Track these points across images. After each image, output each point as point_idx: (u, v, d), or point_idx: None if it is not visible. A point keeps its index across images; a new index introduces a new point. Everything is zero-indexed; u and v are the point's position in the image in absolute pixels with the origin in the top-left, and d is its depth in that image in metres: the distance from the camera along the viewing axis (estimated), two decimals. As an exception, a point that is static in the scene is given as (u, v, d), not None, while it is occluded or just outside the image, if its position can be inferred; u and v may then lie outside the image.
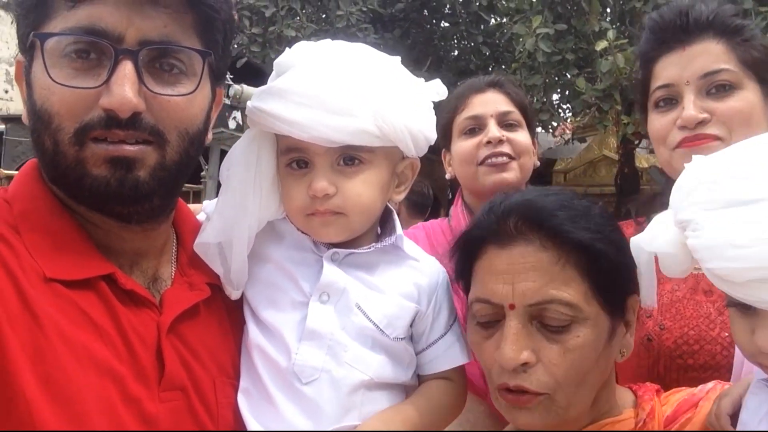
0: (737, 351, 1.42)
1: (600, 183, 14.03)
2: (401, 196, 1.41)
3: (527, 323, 1.13)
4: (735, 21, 1.58)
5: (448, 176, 2.14)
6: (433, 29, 8.78)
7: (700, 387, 1.31)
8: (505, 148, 1.96)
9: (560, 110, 7.39)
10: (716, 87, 1.53)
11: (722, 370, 1.50)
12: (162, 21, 1.10)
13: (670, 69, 1.58)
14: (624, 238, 1.22)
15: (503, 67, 8.09)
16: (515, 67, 6.57)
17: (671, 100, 1.58)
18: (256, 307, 1.29)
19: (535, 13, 6.13)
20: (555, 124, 7.34)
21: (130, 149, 1.09)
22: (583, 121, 7.07)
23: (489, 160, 1.96)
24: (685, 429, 1.22)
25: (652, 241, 1.12)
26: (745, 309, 1.02)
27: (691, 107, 1.51)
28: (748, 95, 1.53)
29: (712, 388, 1.29)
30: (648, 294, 1.19)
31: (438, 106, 2.03)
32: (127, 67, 1.07)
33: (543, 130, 7.36)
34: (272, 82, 1.31)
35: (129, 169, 1.09)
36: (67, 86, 1.06)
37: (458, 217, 2.06)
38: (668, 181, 1.55)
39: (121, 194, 1.10)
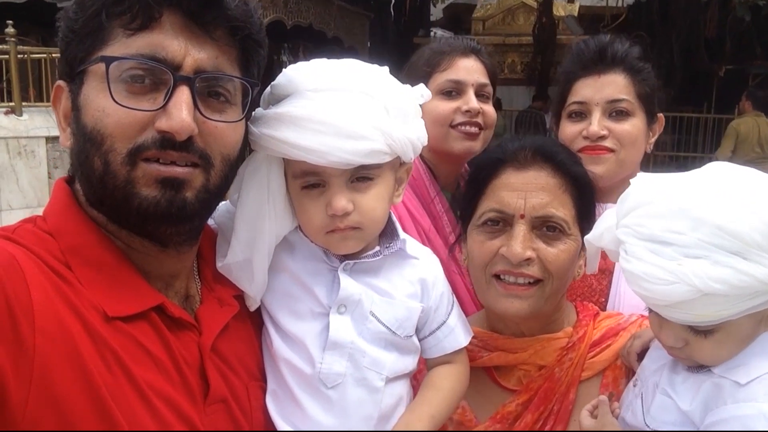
0: (608, 308, 1.89)
1: (518, 32, 14.04)
2: (400, 198, 1.49)
3: (530, 230, 1.47)
4: (639, 63, 2.03)
5: None
6: None
7: (626, 317, 1.67)
8: (479, 119, 2.06)
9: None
10: (617, 111, 2.00)
11: None
12: (214, 52, 1.17)
13: (585, 90, 2.03)
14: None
15: None
16: None
17: (581, 114, 2.04)
18: (276, 316, 1.40)
19: None
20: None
21: (181, 170, 1.15)
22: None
23: (463, 127, 2.05)
24: (604, 353, 1.58)
25: (600, 240, 1.42)
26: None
27: (596, 124, 1.98)
28: (637, 122, 2.01)
29: (633, 321, 1.64)
30: (591, 266, 1.54)
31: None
32: (185, 93, 1.12)
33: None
34: (274, 105, 1.33)
35: (178, 190, 1.15)
36: (127, 107, 1.10)
37: (414, 164, 2.05)
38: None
39: (169, 214, 1.15)
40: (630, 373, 1.56)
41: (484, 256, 1.52)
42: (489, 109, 2.15)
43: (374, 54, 13.18)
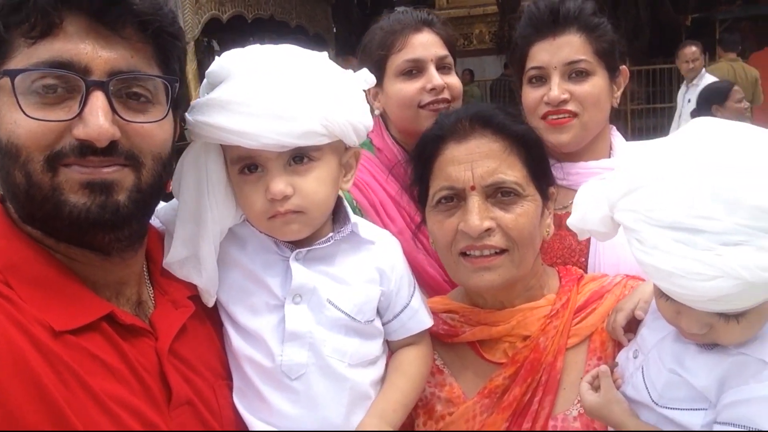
0: (589, 269, 1.83)
1: (482, 2, 13.98)
2: (349, 185, 1.46)
3: (485, 200, 1.42)
4: (593, 19, 1.94)
5: (377, 112, 2.11)
6: None
7: (610, 279, 1.62)
8: (445, 94, 2.00)
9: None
10: (576, 72, 1.92)
11: None
12: (128, 52, 1.13)
13: (542, 54, 1.94)
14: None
15: None
16: None
17: (541, 78, 1.96)
18: (233, 313, 1.36)
19: None
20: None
21: (107, 171, 1.11)
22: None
23: (432, 106, 1.99)
24: (589, 318, 1.53)
25: (583, 223, 1.34)
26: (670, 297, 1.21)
27: (556, 89, 1.91)
28: (598, 81, 1.93)
29: (618, 282, 1.59)
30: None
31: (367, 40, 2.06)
32: (99, 98, 1.08)
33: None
34: (210, 93, 1.30)
35: (109, 194, 1.11)
36: (38, 119, 1.06)
37: (390, 148, 2.11)
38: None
39: (102, 221, 1.11)
40: None
41: (446, 236, 1.48)
42: (453, 80, 2.08)
43: (340, 39, 13.06)
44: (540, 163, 1.52)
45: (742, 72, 8.70)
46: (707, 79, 7.88)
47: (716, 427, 1.17)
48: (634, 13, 12.80)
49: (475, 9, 14.27)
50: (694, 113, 6.08)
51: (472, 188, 1.44)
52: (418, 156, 1.57)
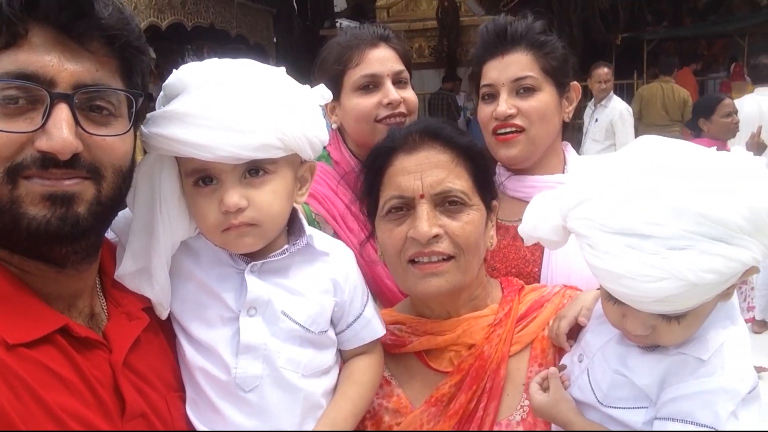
0: (542, 278, 1.92)
1: (422, 17, 14.43)
2: (304, 198, 1.48)
3: (433, 208, 1.48)
4: (540, 38, 2.04)
5: (334, 126, 2.15)
6: None
7: (549, 289, 1.69)
8: (402, 108, 2.04)
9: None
10: (523, 89, 2.01)
11: None
12: (93, 65, 1.13)
13: (492, 72, 2.05)
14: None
15: None
16: None
17: (492, 96, 2.06)
18: (187, 326, 1.36)
19: None
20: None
21: (68, 183, 1.11)
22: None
23: (388, 120, 2.03)
24: (530, 326, 1.60)
25: (535, 231, 1.40)
26: (617, 300, 1.28)
27: (503, 104, 2.00)
28: (544, 97, 2.02)
29: (557, 292, 1.67)
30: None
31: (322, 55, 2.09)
32: (64, 111, 1.08)
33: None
34: (166, 105, 1.31)
35: (69, 206, 1.12)
36: (1, 131, 1.06)
37: (347, 161, 2.13)
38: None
39: (62, 233, 1.11)
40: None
41: (396, 244, 1.52)
42: (409, 95, 2.11)
43: (281, 49, 13.03)
44: (484, 175, 1.60)
45: (671, 92, 9.06)
46: (615, 101, 8.09)
47: (656, 423, 1.25)
48: (568, 31, 13.30)
49: (415, 24, 14.50)
50: (689, 124, 6.05)
51: (421, 197, 1.49)
52: (369, 167, 1.62)
